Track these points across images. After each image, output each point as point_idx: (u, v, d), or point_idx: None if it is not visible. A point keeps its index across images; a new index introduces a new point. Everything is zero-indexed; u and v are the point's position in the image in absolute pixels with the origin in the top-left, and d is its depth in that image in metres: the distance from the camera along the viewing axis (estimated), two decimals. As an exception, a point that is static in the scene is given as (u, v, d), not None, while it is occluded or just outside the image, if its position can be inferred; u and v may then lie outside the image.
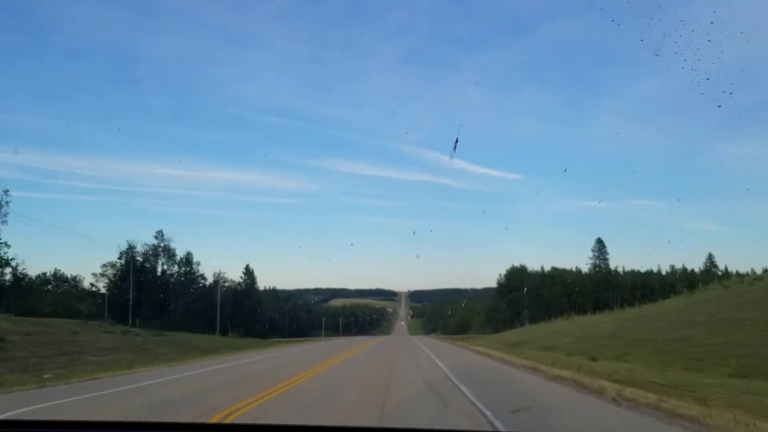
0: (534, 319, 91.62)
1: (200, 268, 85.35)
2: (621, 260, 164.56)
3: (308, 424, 4.53)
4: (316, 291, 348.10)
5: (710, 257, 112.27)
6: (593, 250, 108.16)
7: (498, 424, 8.31)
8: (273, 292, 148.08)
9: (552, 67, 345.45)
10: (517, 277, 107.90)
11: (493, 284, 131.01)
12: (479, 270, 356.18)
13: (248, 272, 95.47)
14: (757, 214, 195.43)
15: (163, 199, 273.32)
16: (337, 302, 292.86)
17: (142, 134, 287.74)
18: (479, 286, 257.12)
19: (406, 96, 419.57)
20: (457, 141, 20.05)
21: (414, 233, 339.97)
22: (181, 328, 69.79)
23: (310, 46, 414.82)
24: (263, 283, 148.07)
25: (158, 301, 74.15)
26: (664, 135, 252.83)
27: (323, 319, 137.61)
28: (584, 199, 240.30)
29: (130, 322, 71.68)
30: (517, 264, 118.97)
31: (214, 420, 8.70)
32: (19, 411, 10.41)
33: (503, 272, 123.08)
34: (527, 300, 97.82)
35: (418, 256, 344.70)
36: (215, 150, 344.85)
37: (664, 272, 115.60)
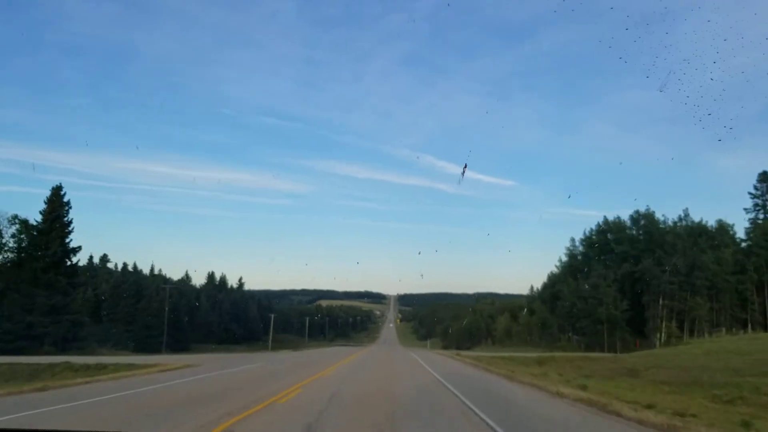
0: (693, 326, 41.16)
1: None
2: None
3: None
4: (303, 292, 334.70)
5: None
6: (754, 194, 57.32)
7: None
8: (217, 285, 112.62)
9: (548, 74, 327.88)
10: (620, 235, 54.61)
11: (486, 290, 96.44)
12: (471, 275, 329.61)
13: (56, 197, 42.23)
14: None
15: (154, 197, 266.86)
16: (322, 303, 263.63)
17: (135, 131, 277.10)
18: (470, 291, 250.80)
19: (401, 100, 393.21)
20: (465, 167, 16.60)
21: (419, 251, 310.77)
22: None
23: (306, 48, 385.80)
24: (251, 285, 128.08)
25: None
26: (659, 144, 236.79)
27: (272, 316, 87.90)
28: (579, 208, 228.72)
29: None
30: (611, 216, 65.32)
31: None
32: None
33: (578, 236, 74.97)
34: (666, 282, 44.79)
35: (419, 253, 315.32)
36: (208, 149, 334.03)
37: None
